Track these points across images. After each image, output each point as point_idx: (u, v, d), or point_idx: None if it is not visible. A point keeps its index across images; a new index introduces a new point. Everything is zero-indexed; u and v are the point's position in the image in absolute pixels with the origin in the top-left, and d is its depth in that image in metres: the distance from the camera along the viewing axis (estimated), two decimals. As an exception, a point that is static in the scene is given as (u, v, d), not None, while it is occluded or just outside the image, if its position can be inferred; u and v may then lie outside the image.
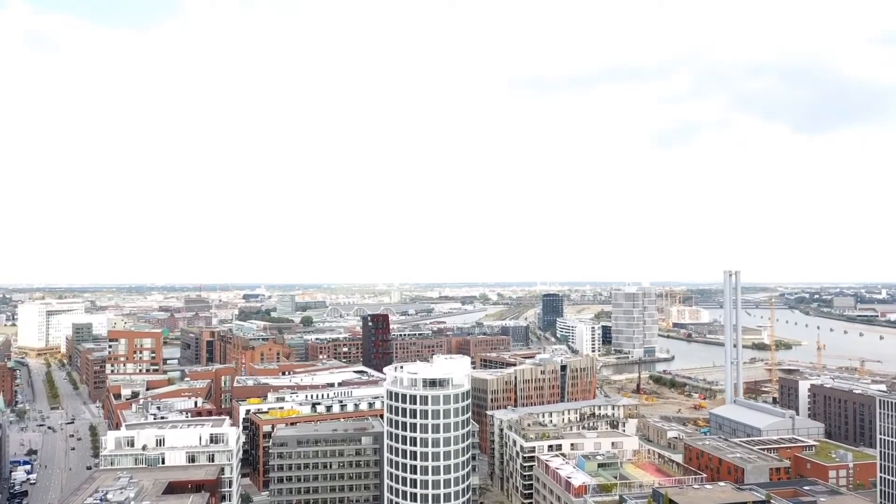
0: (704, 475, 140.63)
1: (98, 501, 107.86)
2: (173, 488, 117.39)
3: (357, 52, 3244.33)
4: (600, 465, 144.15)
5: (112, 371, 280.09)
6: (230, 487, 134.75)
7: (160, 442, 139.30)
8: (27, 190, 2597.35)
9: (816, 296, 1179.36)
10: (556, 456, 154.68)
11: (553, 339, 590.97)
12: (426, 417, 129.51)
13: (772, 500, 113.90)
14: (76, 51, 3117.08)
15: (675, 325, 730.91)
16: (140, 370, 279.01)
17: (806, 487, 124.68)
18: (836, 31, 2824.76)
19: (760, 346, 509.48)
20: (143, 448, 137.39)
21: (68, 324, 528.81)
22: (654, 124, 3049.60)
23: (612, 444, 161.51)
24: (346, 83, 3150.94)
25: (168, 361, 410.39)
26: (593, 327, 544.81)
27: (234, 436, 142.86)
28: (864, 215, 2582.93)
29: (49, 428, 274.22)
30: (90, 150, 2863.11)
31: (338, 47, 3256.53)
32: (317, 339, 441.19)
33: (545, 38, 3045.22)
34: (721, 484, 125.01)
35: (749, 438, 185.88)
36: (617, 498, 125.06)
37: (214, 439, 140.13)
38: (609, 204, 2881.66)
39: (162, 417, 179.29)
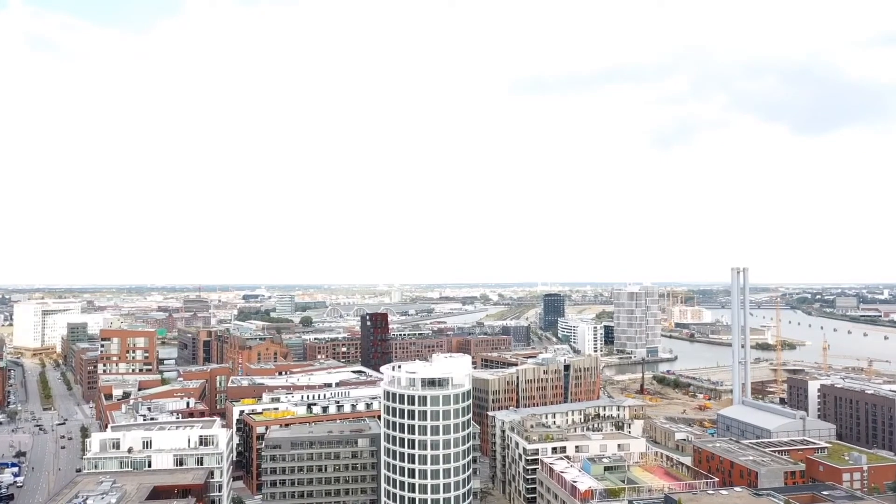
0: (716, 479, 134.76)
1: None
2: (158, 493, 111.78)
3: (357, 53, 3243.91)
4: (607, 469, 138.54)
5: (104, 371, 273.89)
6: (219, 492, 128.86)
7: (147, 444, 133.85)
8: (27, 190, 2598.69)
9: (818, 296, 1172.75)
10: (561, 458, 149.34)
11: (555, 340, 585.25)
12: (425, 419, 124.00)
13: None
14: (77, 52, 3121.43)
15: (677, 325, 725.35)
16: (133, 370, 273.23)
17: (824, 492, 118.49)
18: (836, 31, 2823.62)
19: (764, 347, 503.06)
20: (129, 451, 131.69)
21: (64, 323, 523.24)
22: (653, 124, 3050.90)
23: (619, 446, 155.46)
24: (346, 84, 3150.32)
25: (165, 361, 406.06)
26: (595, 327, 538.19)
27: (224, 438, 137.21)
28: (865, 215, 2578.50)
29: (40, 429, 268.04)
30: (91, 151, 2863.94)
31: (338, 48, 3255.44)
32: (315, 338, 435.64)
33: (545, 38, 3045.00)
34: (737, 489, 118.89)
35: (759, 440, 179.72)
36: (625, 503, 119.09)
37: (204, 441, 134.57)
38: (609, 204, 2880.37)
39: (151, 419, 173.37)
